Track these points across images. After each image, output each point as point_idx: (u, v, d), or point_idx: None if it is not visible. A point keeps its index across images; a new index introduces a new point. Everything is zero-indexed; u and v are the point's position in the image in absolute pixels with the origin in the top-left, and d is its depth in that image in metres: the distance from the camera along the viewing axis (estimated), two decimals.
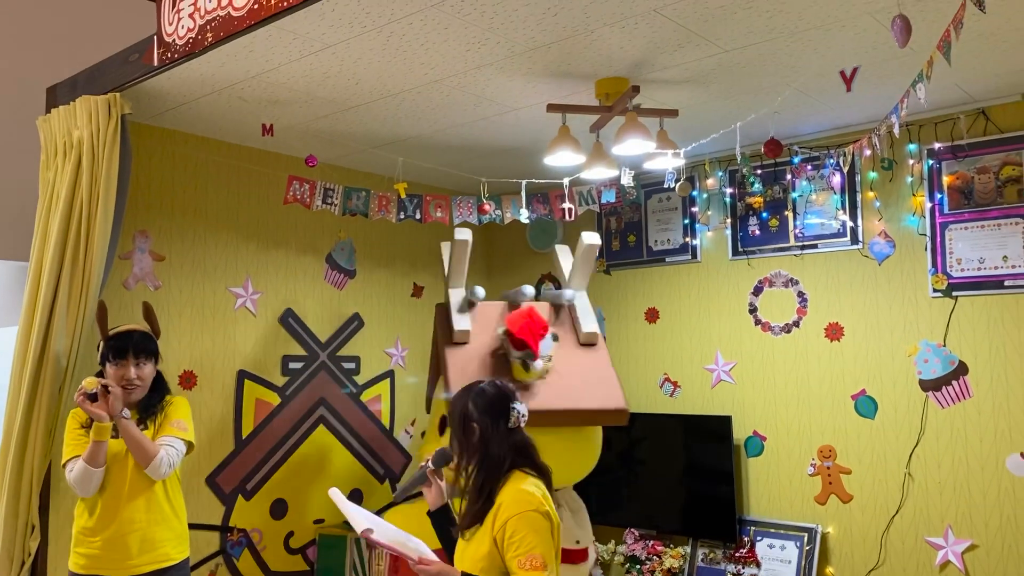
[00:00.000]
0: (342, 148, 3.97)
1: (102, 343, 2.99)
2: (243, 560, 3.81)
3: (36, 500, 3.08)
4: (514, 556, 2.11)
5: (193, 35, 2.78)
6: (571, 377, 3.44)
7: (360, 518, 2.40)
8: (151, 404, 2.99)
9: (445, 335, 3.55)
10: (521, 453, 2.29)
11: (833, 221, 3.87)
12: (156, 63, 2.94)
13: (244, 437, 3.87)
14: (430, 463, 2.48)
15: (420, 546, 2.41)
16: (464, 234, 3.54)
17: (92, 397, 2.76)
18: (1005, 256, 3.42)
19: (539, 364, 3.35)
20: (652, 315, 4.47)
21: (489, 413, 2.31)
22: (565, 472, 3.30)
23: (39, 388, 3.05)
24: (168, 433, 2.94)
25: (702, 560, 4.05)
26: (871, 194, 3.75)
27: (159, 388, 3.04)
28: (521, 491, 2.20)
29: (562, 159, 3.24)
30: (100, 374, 3.02)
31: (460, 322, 3.53)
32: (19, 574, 3.06)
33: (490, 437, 2.28)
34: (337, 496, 2.54)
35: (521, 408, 2.35)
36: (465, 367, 3.40)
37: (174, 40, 2.86)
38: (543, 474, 2.31)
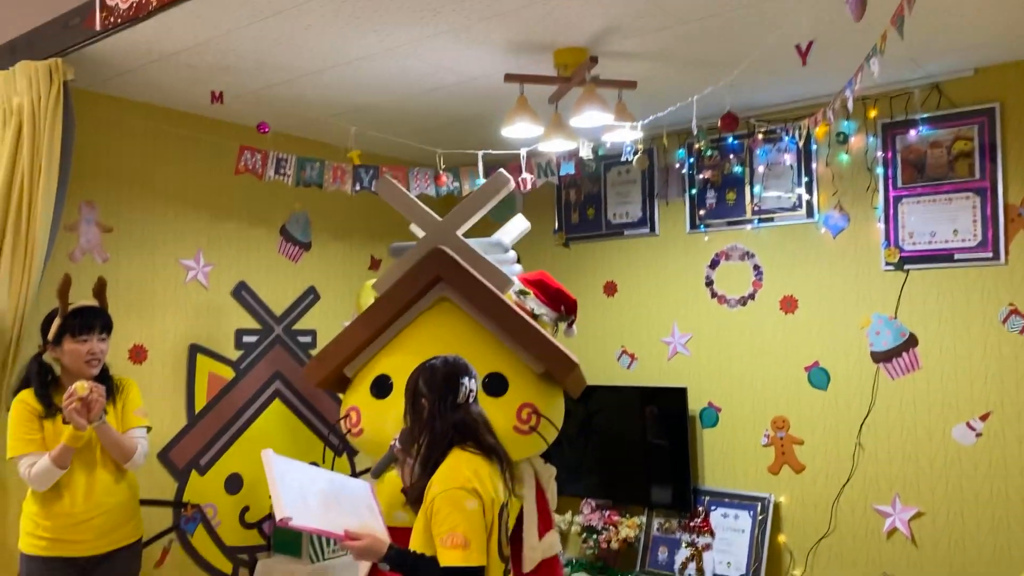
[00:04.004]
0: (295, 117, 3.89)
1: (60, 317, 2.91)
2: (197, 536, 3.77)
3: None
4: (437, 533, 2.11)
5: None
6: None
7: (288, 493, 2.33)
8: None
9: (477, 283, 3.07)
10: (463, 430, 2.27)
11: (789, 195, 3.90)
12: (99, 28, 2.84)
13: (197, 412, 3.81)
14: (397, 442, 2.47)
15: (369, 517, 2.40)
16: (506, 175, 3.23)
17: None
18: (955, 230, 3.47)
19: (575, 329, 3.41)
20: (610, 288, 4.48)
21: (437, 389, 2.30)
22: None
23: None
24: (135, 424, 3.01)
25: (657, 530, 4.11)
26: (826, 168, 3.78)
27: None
28: (451, 468, 2.20)
29: (520, 130, 3.21)
30: (44, 349, 2.95)
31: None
32: None
33: (436, 413, 2.28)
34: (269, 461, 2.42)
35: (470, 383, 2.34)
36: None
37: (117, 4, 2.76)
38: (490, 452, 2.30)
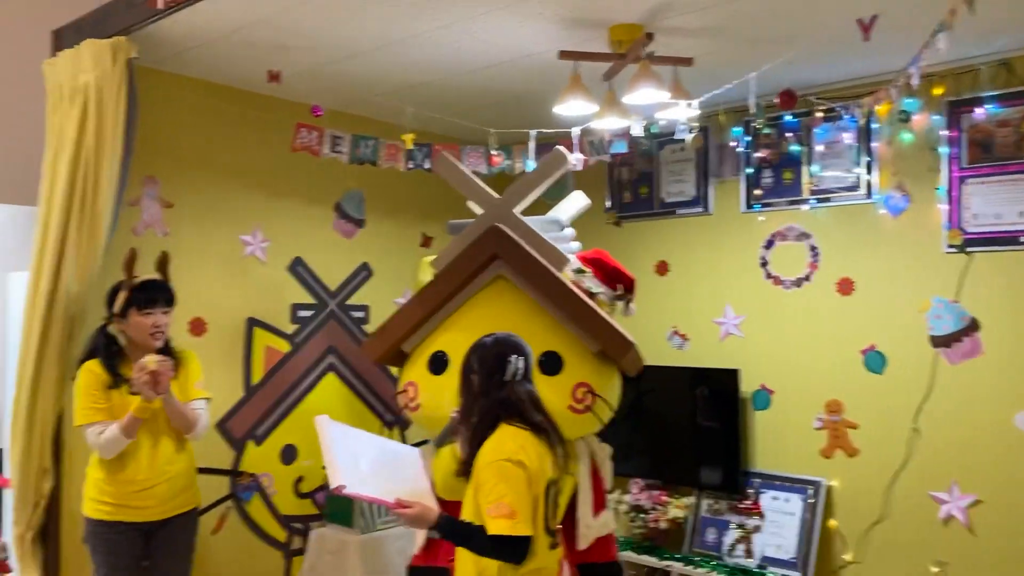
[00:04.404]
0: (350, 95, 3.93)
1: (125, 291, 2.99)
2: (253, 504, 3.87)
3: (49, 444, 3.12)
4: (484, 504, 2.16)
5: None
6: None
7: (342, 460, 2.38)
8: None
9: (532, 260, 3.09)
10: (508, 407, 2.31)
11: (848, 174, 3.81)
12: (161, 6, 2.90)
13: (254, 384, 3.91)
14: (457, 414, 2.52)
15: (419, 484, 2.44)
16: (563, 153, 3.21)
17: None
18: (1022, 212, 3.36)
19: (634, 307, 3.43)
20: (662, 268, 4.45)
21: (486, 367, 2.36)
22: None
23: (49, 334, 3.08)
24: (196, 396, 3.09)
25: (706, 511, 4.09)
26: (887, 147, 3.68)
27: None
28: (498, 441, 2.25)
29: (573, 108, 3.19)
30: (109, 321, 3.04)
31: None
32: (33, 515, 3.12)
33: (485, 390, 2.34)
34: (323, 427, 2.45)
35: (518, 362, 2.36)
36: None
37: None
38: (538, 429, 2.32)
